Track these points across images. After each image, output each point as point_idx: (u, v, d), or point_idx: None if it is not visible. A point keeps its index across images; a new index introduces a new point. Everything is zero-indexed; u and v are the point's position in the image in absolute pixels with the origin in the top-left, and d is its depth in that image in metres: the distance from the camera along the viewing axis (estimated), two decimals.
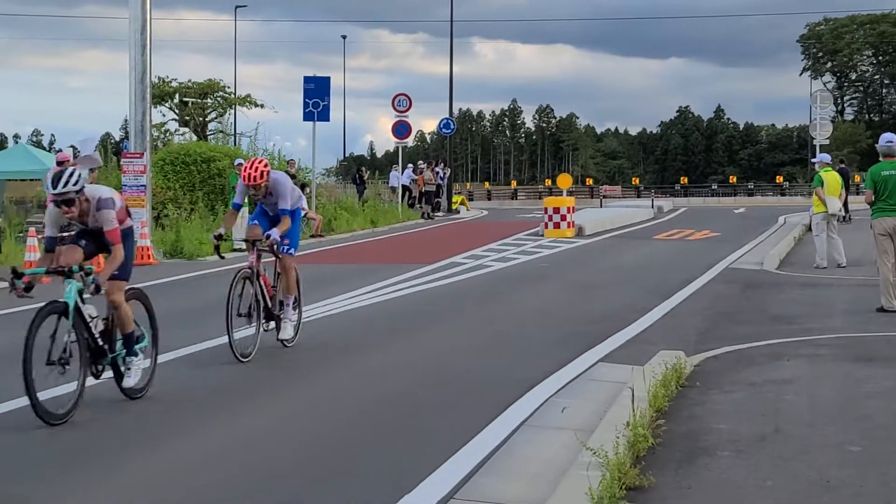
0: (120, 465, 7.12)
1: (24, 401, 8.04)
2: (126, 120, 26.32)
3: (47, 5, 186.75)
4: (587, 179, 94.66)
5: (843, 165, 36.88)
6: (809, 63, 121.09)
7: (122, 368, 8.98)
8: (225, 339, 11.36)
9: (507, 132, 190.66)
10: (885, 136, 14.55)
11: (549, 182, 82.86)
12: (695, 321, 13.48)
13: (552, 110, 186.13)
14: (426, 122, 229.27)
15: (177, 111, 59.34)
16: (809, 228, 23.74)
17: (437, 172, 44.39)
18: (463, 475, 6.75)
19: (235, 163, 26.77)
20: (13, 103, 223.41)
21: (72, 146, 23.38)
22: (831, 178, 20.24)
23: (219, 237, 10.96)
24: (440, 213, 43.22)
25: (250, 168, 10.99)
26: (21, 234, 22.94)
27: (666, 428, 7.44)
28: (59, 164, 20.48)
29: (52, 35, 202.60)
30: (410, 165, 44.63)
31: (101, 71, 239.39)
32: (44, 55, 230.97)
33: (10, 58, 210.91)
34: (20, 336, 7.97)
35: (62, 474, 6.92)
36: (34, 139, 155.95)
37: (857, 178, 62.65)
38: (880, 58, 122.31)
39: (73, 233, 9.09)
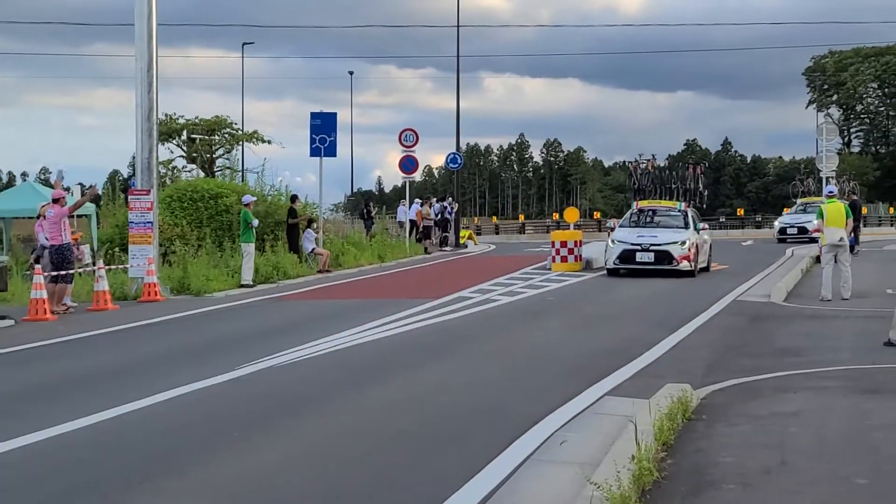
0: None
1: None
2: (134, 157, 26.39)
3: (57, 45, 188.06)
4: (595, 213, 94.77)
5: (854, 197, 37.05)
6: (815, 96, 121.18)
7: None
8: (233, 374, 11.30)
9: (515, 166, 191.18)
10: None
11: (556, 216, 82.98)
12: (702, 354, 13.44)
13: (560, 144, 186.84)
14: (435, 157, 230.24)
15: (184, 148, 59.63)
16: (819, 260, 23.71)
17: (445, 207, 44.69)
18: None
19: (245, 200, 26.73)
20: (24, 142, 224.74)
21: (79, 183, 23.49)
22: (832, 208, 20.17)
23: None
24: (448, 248, 43.31)
25: None
26: (28, 272, 22.98)
27: (671, 461, 7.42)
28: (55, 201, 20.56)
29: (62, 74, 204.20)
30: (418, 200, 44.88)
31: (111, 109, 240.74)
32: (54, 94, 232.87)
33: (20, 96, 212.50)
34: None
35: None
36: (42, 177, 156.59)
37: (865, 210, 62.50)
38: (886, 89, 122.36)
39: None
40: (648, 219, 29.08)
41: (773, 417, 9.00)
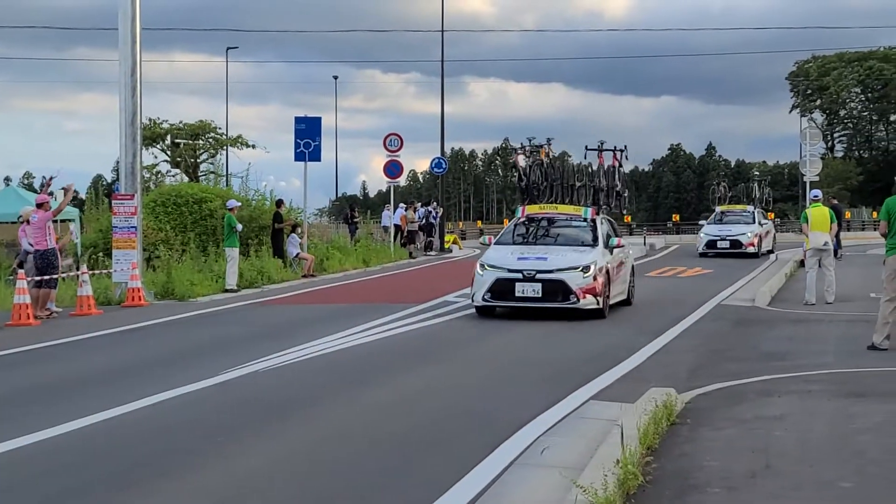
0: None
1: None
2: (118, 161, 26.34)
3: (41, 49, 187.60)
4: None
5: (834, 202, 37.06)
6: (799, 100, 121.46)
7: None
8: (219, 378, 11.28)
9: (500, 171, 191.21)
10: None
11: None
12: (686, 358, 13.48)
13: None
14: (419, 162, 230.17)
15: (168, 153, 59.43)
16: (802, 264, 23.80)
17: (430, 211, 44.77)
18: None
19: (230, 205, 26.71)
20: (9, 146, 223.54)
21: (63, 188, 23.26)
22: (817, 213, 20.28)
23: None
24: (433, 252, 43.34)
25: None
26: (11, 277, 22.89)
27: (656, 465, 7.44)
28: (39, 206, 20.46)
29: (47, 78, 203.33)
30: (403, 205, 44.91)
31: (96, 114, 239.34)
32: (39, 98, 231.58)
33: (5, 101, 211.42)
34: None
35: None
36: (25, 181, 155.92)
37: (849, 215, 62.66)
38: (869, 94, 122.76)
39: None
40: (542, 232, 20.68)
41: (758, 421, 9.03)
